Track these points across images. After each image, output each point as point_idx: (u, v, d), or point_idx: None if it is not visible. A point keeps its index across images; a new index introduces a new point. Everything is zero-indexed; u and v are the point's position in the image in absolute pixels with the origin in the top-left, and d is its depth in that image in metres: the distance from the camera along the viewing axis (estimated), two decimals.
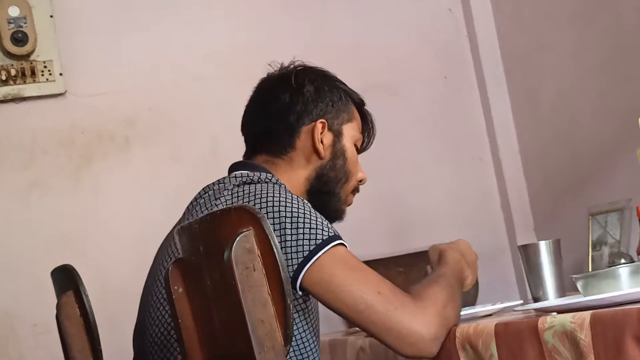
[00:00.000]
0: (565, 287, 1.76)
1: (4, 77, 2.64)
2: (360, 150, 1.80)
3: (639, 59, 2.45)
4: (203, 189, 1.69)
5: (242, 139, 2.82)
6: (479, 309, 1.82)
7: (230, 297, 1.28)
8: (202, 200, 1.65)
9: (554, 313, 1.39)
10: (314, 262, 1.49)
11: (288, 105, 1.72)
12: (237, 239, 1.28)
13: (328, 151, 1.72)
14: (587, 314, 1.26)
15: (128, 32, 2.78)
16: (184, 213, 1.72)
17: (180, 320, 1.40)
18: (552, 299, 1.70)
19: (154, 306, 1.64)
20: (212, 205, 1.61)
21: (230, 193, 1.59)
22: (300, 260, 1.49)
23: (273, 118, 1.73)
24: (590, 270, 2.36)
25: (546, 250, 1.73)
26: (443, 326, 1.49)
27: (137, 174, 2.74)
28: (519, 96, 2.95)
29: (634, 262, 1.90)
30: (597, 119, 2.63)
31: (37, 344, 2.58)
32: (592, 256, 2.40)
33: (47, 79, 2.68)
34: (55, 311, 1.66)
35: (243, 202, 1.55)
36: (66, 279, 1.64)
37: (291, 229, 1.50)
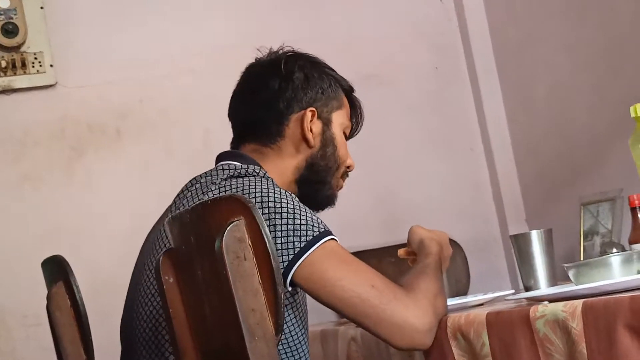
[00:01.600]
0: (556, 276, 1.76)
1: None
2: (348, 136, 1.78)
3: (632, 50, 2.45)
4: (190, 181, 1.66)
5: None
6: (470, 299, 1.82)
7: (221, 287, 1.28)
8: (189, 193, 1.64)
9: (546, 302, 1.39)
10: (304, 258, 1.48)
11: (277, 92, 1.69)
12: (228, 228, 1.28)
13: (317, 139, 1.69)
14: (578, 303, 1.26)
15: (120, 24, 2.77)
16: (171, 205, 1.70)
17: (171, 311, 1.40)
18: (543, 288, 1.71)
19: (143, 300, 1.62)
20: (200, 199, 1.59)
21: (217, 187, 1.58)
22: (291, 257, 1.48)
23: (262, 106, 1.70)
24: (582, 259, 2.36)
25: (538, 239, 1.73)
26: (435, 317, 1.49)
27: (128, 166, 2.73)
28: (510, 87, 2.95)
29: (625, 251, 1.90)
30: (589, 109, 2.63)
31: (27, 335, 2.57)
32: (583, 246, 2.41)
33: (37, 71, 2.67)
34: (45, 302, 1.65)
35: None
36: (56, 270, 1.64)
37: (281, 224, 1.49)
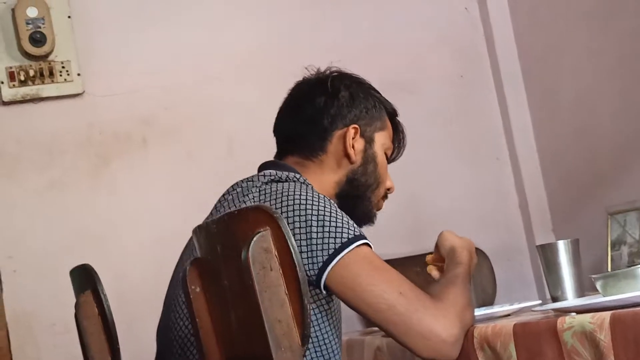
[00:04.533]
0: (584, 287, 1.75)
1: (22, 78, 2.66)
2: (389, 160, 1.81)
3: None
4: (232, 185, 1.69)
5: (259, 138, 2.82)
6: (497, 309, 1.81)
7: (248, 297, 1.28)
8: (231, 197, 1.66)
9: (573, 313, 1.38)
10: (338, 260, 1.49)
11: (322, 109, 1.73)
12: (255, 238, 1.28)
13: (359, 156, 1.73)
14: (606, 314, 1.25)
15: (145, 32, 2.79)
16: (213, 209, 1.72)
17: (197, 320, 1.40)
18: (571, 299, 1.69)
19: (179, 303, 1.65)
20: (240, 202, 1.62)
21: (258, 190, 1.60)
22: (325, 258, 1.49)
23: (306, 121, 1.74)
24: (609, 270, 2.34)
25: (565, 249, 1.72)
26: (463, 329, 1.49)
27: (154, 173, 2.74)
28: (536, 95, 2.94)
29: None
30: (615, 117, 2.61)
31: (55, 343, 2.59)
32: (611, 256, 2.39)
33: (65, 79, 2.69)
34: (73, 311, 1.67)
35: (271, 200, 1.56)
36: (85, 279, 1.65)
37: (317, 227, 1.50)
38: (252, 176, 1.68)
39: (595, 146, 2.70)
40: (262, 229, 1.29)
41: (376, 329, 2.25)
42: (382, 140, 1.76)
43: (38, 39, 2.64)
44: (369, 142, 1.74)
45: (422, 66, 2.97)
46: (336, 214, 1.53)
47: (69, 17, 2.71)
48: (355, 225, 1.55)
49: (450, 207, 2.90)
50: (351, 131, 1.72)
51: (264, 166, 1.74)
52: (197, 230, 1.46)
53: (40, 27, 2.65)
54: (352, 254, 1.50)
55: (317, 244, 1.50)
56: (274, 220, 1.29)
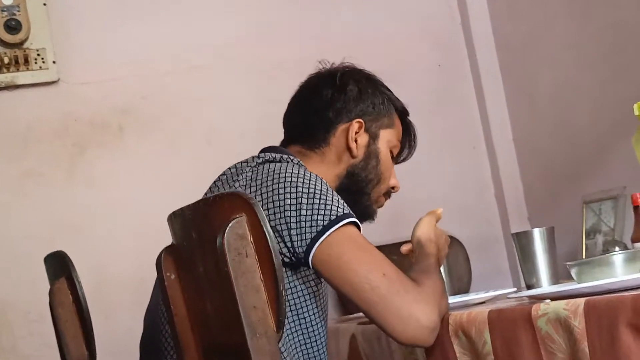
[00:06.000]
0: (558, 275, 1.76)
1: None
2: (398, 159, 1.83)
3: (635, 49, 2.45)
4: (229, 167, 1.69)
5: (238, 128, 2.83)
6: (472, 297, 1.82)
7: (223, 284, 1.28)
8: (225, 176, 1.67)
9: (548, 300, 1.39)
10: (325, 238, 1.50)
11: (329, 101, 1.74)
12: (230, 225, 1.28)
13: (361, 151, 1.74)
14: (581, 301, 1.25)
15: (122, 20, 2.77)
16: (207, 191, 1.72)
17: (172, 307, 1.40)
18: (545, 287, 1.70)
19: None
20: (233, 182, 1.62)
21: (251, 170, 1.61)
22: (313, 235, 1.50)
23: (312, 112, 1.75)
24: (584, 257, 2.36)
25: (540, 237, 1.73)
26: (440, 316, 1.49)
27: (131, 162, 2.73)
28: (513, 85, 2.95)
29: (628, 249, 1.90)
30: (592, 108, 2.63)
31: (29, 331, 2.57)
32: (586, 244, 2.40)
33: (40, 67, 2.67)
34: (47, 299, 1.65)
35: (263, 180, 1.56)
36: (59, 266, 1.64)
37: (307, 204, 1.51)
38: (248, 158, 1.68)
39: (572, 136, 2.72)
40: (237, 215, 1.28)
41: (352, 316, 2.25)
42: (388, 137, 1.77)
43: (13, 26, 2.62)
44: (374, 137, 1.75)
45: (400, 56, 2.97)
46: (326, 192, 1.54)
47: (44, 4, 2.69)
48: (344, 204, 1.55)
49: (427, 197, 2.91)
50: (355, 125, 1.73)
51: (264, 149, 1.75)
52: (172, 217, 1.45)
53: (15, 15, 2.63)
54: (338, 233, 1.50)
55: (305, 221, 1.50)
56: (249, 206, 1.29)
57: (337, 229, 1.50)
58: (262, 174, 1.58)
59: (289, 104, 1.82)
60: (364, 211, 1.75)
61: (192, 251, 1.39)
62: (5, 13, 2.62)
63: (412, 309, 1.46)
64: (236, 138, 2.79)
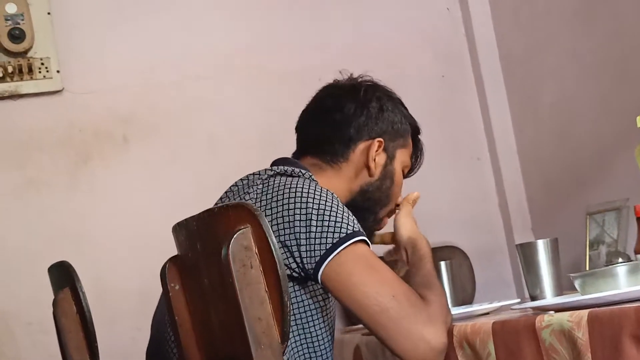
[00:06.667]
0: (562, 286, 1.76)
1: (1, 74, 2.64)
2: (405, 176, 1.82)
3: (637, 59, 2.45)
4: (241, 178, 1.68)
5: (240, 138, 2.84)
6: (476, 308, 1.82)
7: (228, 295, 1.28)
8: (236, 187, 1.66)
9: (552, 312, 1.39)
10: (334, 256, 1.49)
11: (351, 116, 1.72)
12: (235, 236, 1.28)
13: (379, 170, 1.73)
14: (584, 313, 1.25)
15: (126, 30, 2.78)
16: (217, 201, 1.71)
17: (177, 318, 1.40)
18: (549, 298, 1.70)
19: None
20: (244, 193, 1.61)
21: (262, 183, 1.60)
22: (322, 252, 1.49)
23: (333, 126, 1.73)
24: (587, 269, 2.36)
25: (544, 249, 1.73)
26: (446, 330, 1.49)
27: (134, 172, 2.73)
28: (517, 95, 2.95)
29: (631, 261, 1.90)
30: (595, 118, 2.63)
31: (32, 342, 2.57)
32: (589, 255, 2.40)
33: (44, 76, 2.68)
34: (51, 309, 1.65)
35: (273, 192, 1.56)
36: (63, 276, 1.64)
37: (317, 220, 1.50)
38: (260, 170, 1.67)
39: (575, 147, 2.72)
40: (242, 227, 1.28)
41: (356, 327, 2.25)
42: (402, 157, 1.78)
43: (17, 35, 2.63)
44: (391, 158, 1.75)
45: (403, 66, 2.97)
46: (337, 209, 1.53)
47: (49, 13, 2.69)
48: (355, 221, 1.54)
49: (431, 207, 2.90)
50: (375, 144, 1.72)
51: (276, 162, 1.73)
52: (177, 227, 1.45)
53: (19, 24, 2.63)
54: (348, 251, 1.49)
55: (315, 237, 1.49)
56: (254, 217, 1.29)
57: (347, 246, 1.49)
58: (272, 188, 1.57)
59: (305, 112, 1.79)
60: (365, 230, 1.74)
61: (197, 262, 1.39)
62: (10, 22, 2.63)
63: (423, 332, 1.45)
64: (239, 148, 2.79)
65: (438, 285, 1.55)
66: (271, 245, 1.28)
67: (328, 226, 1.49)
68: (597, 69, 2.59)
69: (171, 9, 2.82)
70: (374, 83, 1.79)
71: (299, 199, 1.52)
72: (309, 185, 1.55)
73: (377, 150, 1.72)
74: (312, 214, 1.50)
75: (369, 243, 1.54)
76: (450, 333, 1.50)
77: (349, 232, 1.50)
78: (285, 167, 1.65)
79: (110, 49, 2.76)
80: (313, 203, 1.52)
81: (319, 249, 1.49)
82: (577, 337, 1.25)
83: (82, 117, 2.71)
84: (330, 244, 1.49)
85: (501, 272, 2.95)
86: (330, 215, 1.51)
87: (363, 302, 1.48)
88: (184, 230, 1.43)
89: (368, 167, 1.72)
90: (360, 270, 1.49)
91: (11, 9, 2.64)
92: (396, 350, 1.48)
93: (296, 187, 1.55)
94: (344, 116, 1.72)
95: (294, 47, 2.88)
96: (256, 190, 1.59)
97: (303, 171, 1.64)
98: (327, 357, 1.60)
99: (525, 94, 2.91)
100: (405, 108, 1.80)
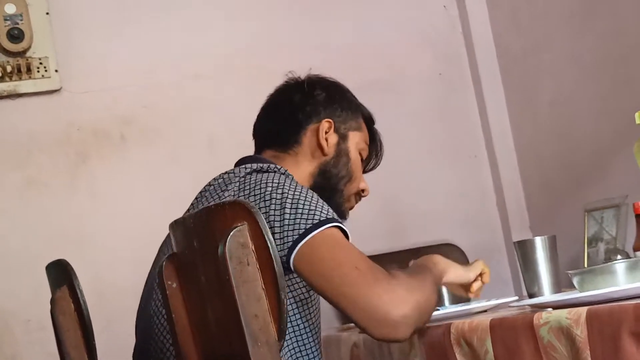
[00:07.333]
0: (560, 283, 1.76)
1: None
2: (366, 166, 1.85)
3: (636, 59, 2.45)
4: (210, 181, 1.71)
5: (240, 138, 2.81)
6: (473, 305, 1.82)
7: (224, 292, 1.28)
8: (212, 187, 1.68)
9: (550, 309, 1.39)
10: (306, 241, 1.49)
11: (298, 105, 1.78)
12: (231, 233, 1.27)
13: (332, 149, 1.77)
14: (583, 310, 1.25)
15: (125, 30, 2.78)
16: (191, 204, 1.72)
17: (174, 316, 1.39)
18: (547, 295, 1.70)
19: (154, 300, 1.65)
20: (221, 194, 1.63)
21: (239, 181, 1.62)
22: (295, 238, 1.49)
23: (282, 117, 1.79)
24: (586, 266, 2.36)
25: (542, 246, 1.73)
26: (414, 310, 1.44)
27: (133, 171, 2.73)
28: (514, 93, 2.95)
29: (630, 258, 1.89)
30: (593, 116, 2.63)
31: (30, 340, 2.57)
32: (588, 252, 2.40)
33: (42, 76, 2.68)
34: (48, 307, 1.65)
35: (251, 189, 1.57)
36: (61, 274, 1.64)
37: (290, 208, 1.51)
38: (231, 169, 1.69)
39: (573, 144, 2.72)
40: (239, 224, 1.28)
41: (353, 325, 2.25)
42: (356, 139, 1.80)
43: (16, 35, 2.63)
44: (343, 138, 1.79)
45: (401, 65, 2.97)
46: (311, 198, 1.54)
47: (47, 13, 2.70)
48: (330, 209, 1.55)
49: (429, 205, 2.91)
50: (324, 124, 1.77)
51: (242, 161, 1.76)
52: (174, 225, 1.45)
53: (18, 24, 2.64)
54: (321, 235, 1.49)
55: (288, 225, 1.50)
56: (251, 215, 1.29)
57: (320, 232, 1.49)
58: (249, 184, 1.59)
59: (258, 115, 1.86)
60: (336, 210, 1.72)
61: (194, 259, 1.39)
62: (8, 22, 2.63)
63: (380, 301, 1.41)
64: (238, 148, 2.77)
65: (420, 276, 1.53)
66: (268, 242, 1.28)
67: (302, 213, 1.51)
68: (595, 67, 2.59)
69: (171, 9, 2.82)
70: (318, 76, 1.84)
71: (275, 191, 1.54)
72: (285, 180, 1.58)
73: (327, 131, 1.76)
74: (286, 202, 1.52)
75: (346, 232, 1.53)
76: (448, 330, 1.49)
77: (322, 218, 1.51)
78: (260, 164, 1.67)
79: (109, 48, 2.76)
80: (287, 193, 1.54)
81: (291, 235, 1.50)
82: (576, 335, 1.25)
83: (80, 117, 2.72)
84: (303, 230, 1.49)
85: (499, 270, 2.95)
86: (304, 204, 1.52)
87: (326, 274, 1.46)
88: (180, 227, 1.43)
89: (320, 146, 1.76)
90: (327, 249, 1.48)
91: (10, 9, 2.64)
92: (357, 320, 1.44)
93: (272, 181, 1.57)
94: (292, 106, 1.79)
95: (294, 47, 2.89)
96: (234, 188, 1.61)
97: (278, 167, 1.67)
98: (313, 352, 1.60)
99: (523, 92, 2.91)
100: (355, 97, 1.84)
